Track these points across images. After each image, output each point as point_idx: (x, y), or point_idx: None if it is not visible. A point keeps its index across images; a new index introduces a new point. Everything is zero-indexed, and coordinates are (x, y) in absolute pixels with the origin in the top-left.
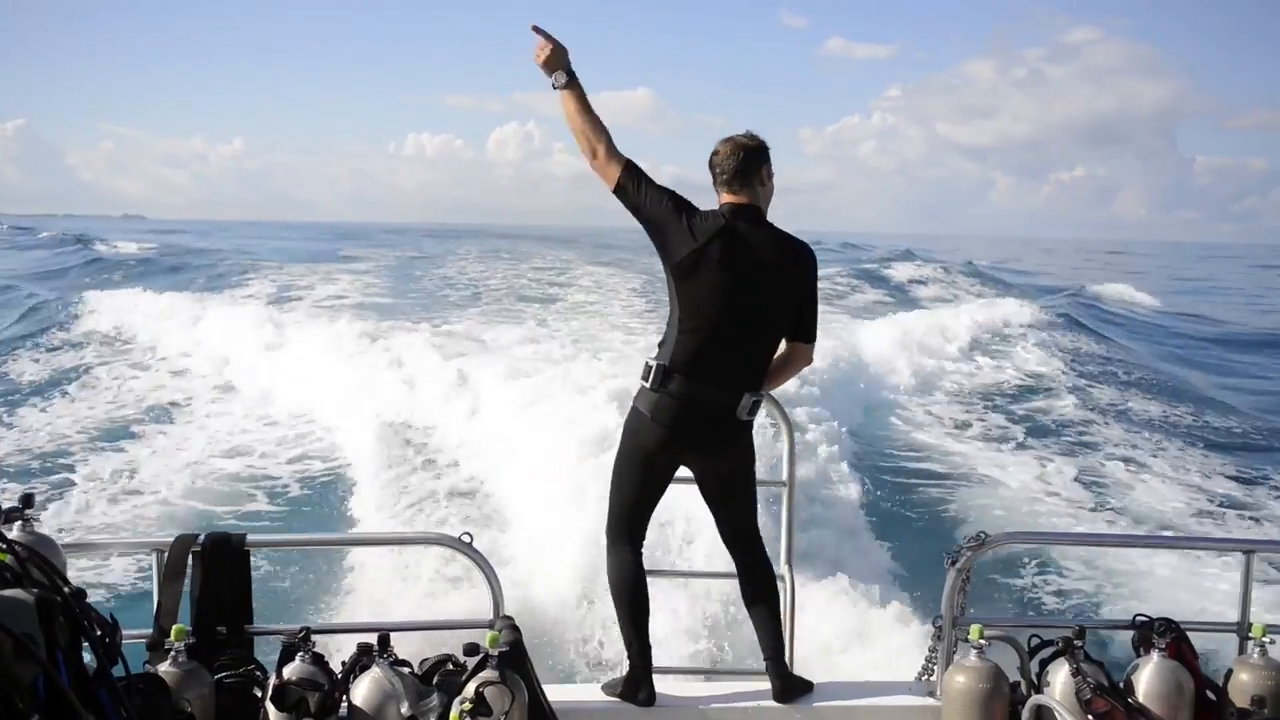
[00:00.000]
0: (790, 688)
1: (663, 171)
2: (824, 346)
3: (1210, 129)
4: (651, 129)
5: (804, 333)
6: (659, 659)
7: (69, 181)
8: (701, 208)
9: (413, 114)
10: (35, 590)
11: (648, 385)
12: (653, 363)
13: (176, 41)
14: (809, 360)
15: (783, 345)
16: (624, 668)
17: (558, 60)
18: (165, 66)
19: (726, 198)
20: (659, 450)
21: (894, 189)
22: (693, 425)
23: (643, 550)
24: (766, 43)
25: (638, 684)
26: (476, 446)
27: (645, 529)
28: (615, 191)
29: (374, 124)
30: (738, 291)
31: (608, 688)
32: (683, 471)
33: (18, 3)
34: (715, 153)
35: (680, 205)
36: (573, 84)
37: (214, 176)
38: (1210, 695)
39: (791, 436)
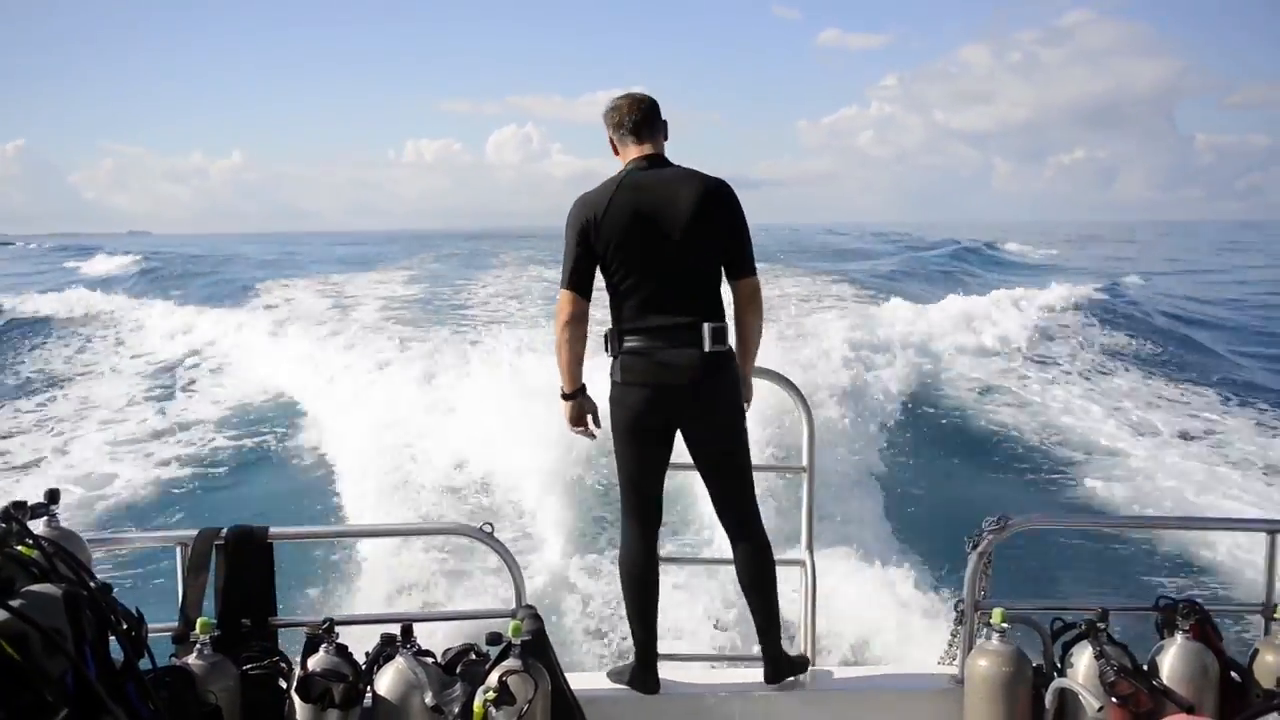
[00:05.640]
0: (781, 669)
1: None
2: (837, 334)
3: (1209, 107)
4: None
5: (739, 268)
6: (679, 646)
7: (72, 200)
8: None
9: (409, 120)
10: (62, 585)
11: (609, 354)
12: (606, 331)
13: (170, 58)
14: (756, 291)
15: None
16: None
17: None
18: (160, 83)
19: (633, 151)
20: (645, 413)
21: (894, 177)
22: (666, 370)
23: (657, 534)
24: (760, 36)
25: (643, 672)
26: (495, 437)
27: (658, 511)
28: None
29: (370, 132)
30: (654, 227)
31: (614, 675)
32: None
33: (9, 25)
34: (616, 109)
35: (582, 225)
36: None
37: (215, 190)
38: (1235, 677)
39: (810, 421)
